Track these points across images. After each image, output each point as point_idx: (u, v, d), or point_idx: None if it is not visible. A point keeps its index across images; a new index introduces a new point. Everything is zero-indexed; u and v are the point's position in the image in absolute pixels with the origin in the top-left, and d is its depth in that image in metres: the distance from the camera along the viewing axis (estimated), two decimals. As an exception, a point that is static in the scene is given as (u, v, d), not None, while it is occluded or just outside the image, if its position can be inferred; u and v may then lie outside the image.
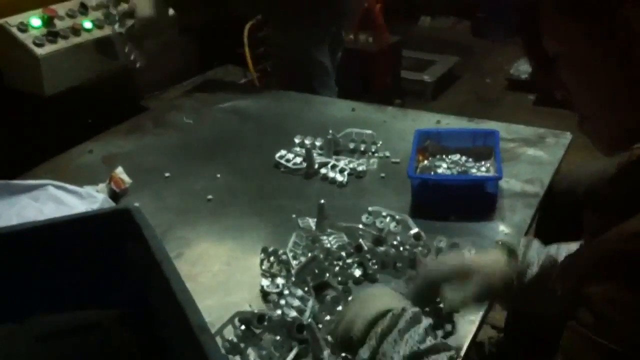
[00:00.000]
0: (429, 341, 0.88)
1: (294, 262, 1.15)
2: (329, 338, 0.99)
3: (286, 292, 1.10)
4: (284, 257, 1.19)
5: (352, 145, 1.65)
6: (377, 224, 1.26)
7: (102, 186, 1.40)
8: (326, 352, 0.99)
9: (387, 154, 1.63)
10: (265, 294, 1.14)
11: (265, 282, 1.16)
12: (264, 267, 1.21)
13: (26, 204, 1.30)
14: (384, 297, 0.96)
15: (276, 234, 1.32)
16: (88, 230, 1.00)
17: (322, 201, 1.26)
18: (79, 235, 0.98)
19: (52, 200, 1.30)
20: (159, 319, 0.96)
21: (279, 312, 1.06)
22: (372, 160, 1.60)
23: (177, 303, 0.82)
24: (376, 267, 1.15)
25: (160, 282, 0.87)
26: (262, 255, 1.22)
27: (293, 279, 1.13)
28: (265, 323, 1.04)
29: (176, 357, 0.89)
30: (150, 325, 0.98)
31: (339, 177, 1.52)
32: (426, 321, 0.91)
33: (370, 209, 1.31)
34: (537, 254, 1.03)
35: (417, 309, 0.92)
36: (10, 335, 0.92)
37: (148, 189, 1.50)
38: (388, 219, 1.27)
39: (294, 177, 1.56)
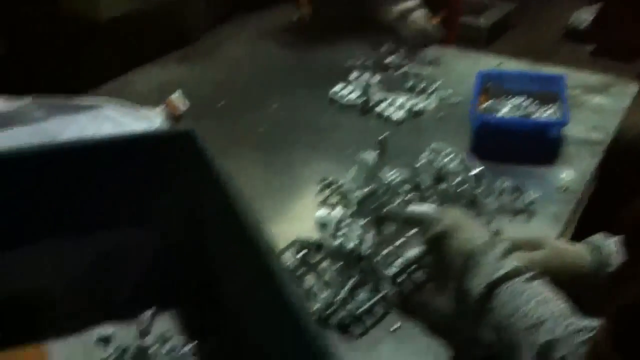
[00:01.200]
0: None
1: (354, 194, 1.13)
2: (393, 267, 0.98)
3: (344, 223, 1.08)
4: (343, 188, 1.17)
5: (410, 83, 1.61)
6: (438, 161, 1.23)
7: (158, 110, 1.39)
8: (385, 284, 0.98)
9: (446, 93, 1.59)
10: (322, 225, 1.13)
11: (323, 213, 1.15)
12: (321, 198, 1.20)
13: (84, 123, 1.29)
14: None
15: (331, 167, 1.30)
16: (148, 149, 0.99)
17: (385, 135, 1.24)
18: (138, 154, 0.97)
19: (110, 120, 1.29)
20: (215, 244, 0.95)
21: (337, 242, 1.04)
22: (430, 99, 1.56)
23: (242, 226, 0.81)
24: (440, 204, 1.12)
25: (222, 206, 0.86)
26: (320, 185, 1.21)
27: (352, 210, 1.11)
28: (323, 252, 1.03)
29: (235, 282, 0.89)
30: (205, 250, 0.98)
31: (396, 115, 1.49)
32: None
33: (433, 145, 1.28)
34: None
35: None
36: (72, 250, 0.93)
37: (201, 117, 1.48)
38: (449, 157, 1.24)
39: (349, 113, 1.53)
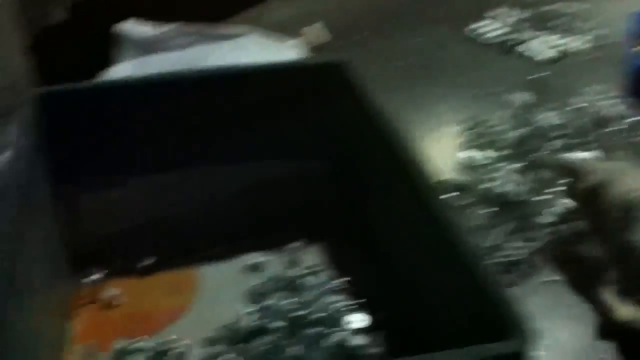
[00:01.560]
0: None
1: (505, 136, 1.08)
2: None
3: (493, 166, 1.04)
4: (491, 130, 1.12)
5: (559, 21, 1.51)
6: (594, 106, 1.16)
7: (299, 41, 1.37)
8: (539, 233, 0.94)
9: (599, 33, 1.48)
10: (467, 167, 1.08)
11: (468, 154, 1.11)
12: (464, 139, 1.15)
13: (226, 52, 1.29)
14: None
15: (473, 107, 1.25)
16: (297, 79, 0.97)
17: (536, 75, 1.17)
18: (287, 83, 0.96)
19: (253, 49, 1.28)
20: (368, 178, 0.94)
21: (485, 185, 1.00)
22: (581, 39, 1.46)
23: (398, 161, 0.78)
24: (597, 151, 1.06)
25: (375, 140, 0.84)
26: (464, 126, 1.16)
27: (502, 154, 1.07)
28: (471, 195, 0.99)
29: (390, 216, 0.87)
30: (357, 183, 0.96)
31: (544, 54, 1.41)
32: None
33: (588, 88, 1.20)
34: None
35: None
36: (222, 179, 0.93)
37: (340, 49, 1.45)
38: (606, 101, 1.16)
39: (491, 51, 1.47)
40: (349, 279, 0.88)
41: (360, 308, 0.83)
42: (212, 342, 0.80)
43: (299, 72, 1.01)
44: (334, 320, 0.80)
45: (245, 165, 0.94)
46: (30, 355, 0.67)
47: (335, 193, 0.97)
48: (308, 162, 0.96)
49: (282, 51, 1.30)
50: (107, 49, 1.31)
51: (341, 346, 0.76)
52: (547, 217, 0.95)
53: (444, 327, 0.71)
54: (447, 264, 0.69)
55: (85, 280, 0.88)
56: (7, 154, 0.76)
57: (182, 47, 1.32)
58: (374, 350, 0.77)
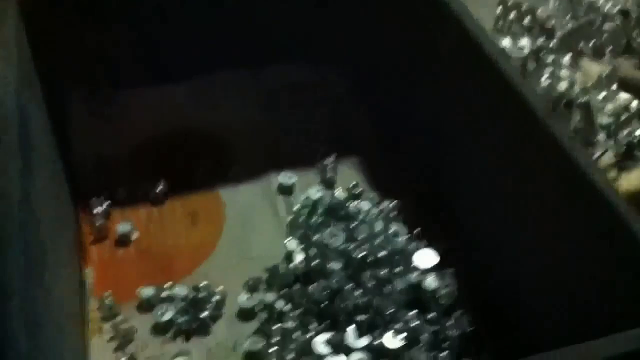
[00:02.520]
0: None
1: (557, 22, 0.94)
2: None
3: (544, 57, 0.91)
4: (537, 14, 0.98)
5: None
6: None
7: None
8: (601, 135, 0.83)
9: None
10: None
11: (508, 42, 0.96)
12: (501, 23, 1.01)
13: None
14: None
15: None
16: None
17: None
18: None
19: None
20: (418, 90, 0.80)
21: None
22: None
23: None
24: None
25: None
26: (502, 8, 1.01)
27: (550, 45, 0.93)
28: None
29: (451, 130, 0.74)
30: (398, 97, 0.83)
31: None
32: None
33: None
34: None
35: None
36: (246, 84, 0.79)
37: None
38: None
39: None
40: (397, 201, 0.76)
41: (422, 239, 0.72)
42: (252, 287, 0.69)
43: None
44: (399, 258, 0.68)
45: (267, 70, 0.79)
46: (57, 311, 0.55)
47: (365, 105, 0.84)
48: (332, 68, 0.82)
49: None
50: None
51: (412, 290, 0.66)
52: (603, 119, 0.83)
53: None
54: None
55: (91, 215, 0.74)
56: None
57: None
58: (448, 293, 0.66)
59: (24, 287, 0.44)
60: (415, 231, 0.72)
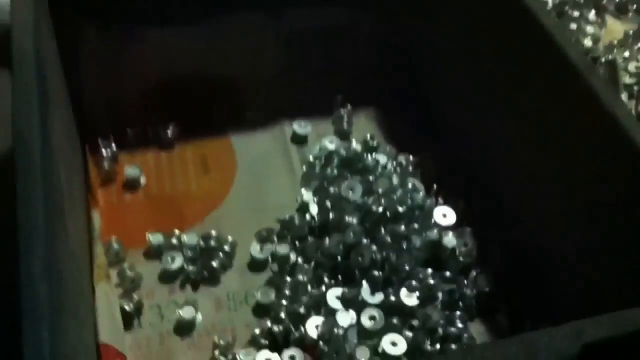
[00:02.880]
0: None
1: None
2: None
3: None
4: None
5: None
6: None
7: None
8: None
9: None
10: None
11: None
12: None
13: None
14: None
15: None
16: None
17: None
18: None
19: None
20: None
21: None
22: None
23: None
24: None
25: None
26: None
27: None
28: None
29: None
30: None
31: None
32: None
33: None
34: None
35: None
36: (264, 28, 0.75)
37: None
38: None
39: None
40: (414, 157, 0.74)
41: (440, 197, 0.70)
42: (263, 238, 0.67)
43: None
44: (418, 214, 0.66)
45: (289, 13, 0.76)
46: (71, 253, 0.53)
47: (382, 53, 0.80)
48: (351, 12, 0.79)
49: None
50: None
51: (431, 248, 0.64)
52: None
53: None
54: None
55: (99, 157, 0.72)
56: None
57: None
58: (467, 251, 0.65)
59: (45, 234, 0.42)
60: (433, 188, 0.70)
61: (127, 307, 0.60)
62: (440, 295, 0.62)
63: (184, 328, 0.61)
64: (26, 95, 0.47)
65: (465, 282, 0.63)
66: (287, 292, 0.62)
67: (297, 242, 0.65)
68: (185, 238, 0.66)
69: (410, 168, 0.73)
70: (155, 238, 0.66)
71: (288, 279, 0.63)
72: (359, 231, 0.64)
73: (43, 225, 0.42)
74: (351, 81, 0.80)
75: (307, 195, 0.69)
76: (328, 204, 0.66)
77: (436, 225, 0.65)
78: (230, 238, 0.66)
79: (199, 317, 0.61)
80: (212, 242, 0.65)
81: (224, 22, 0.72)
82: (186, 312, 0.60)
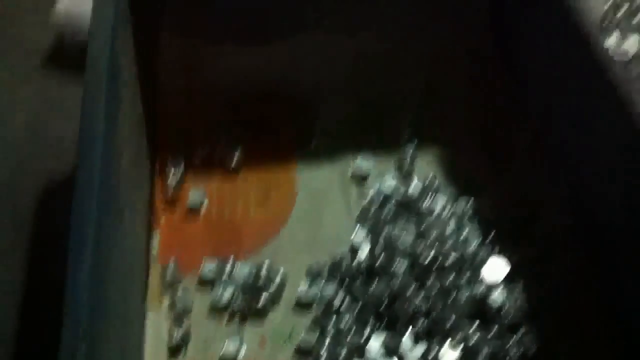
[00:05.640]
0: None
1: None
2: None
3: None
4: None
5: None
6: None
7: None
8: None
9: None
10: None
11: (612, 41, 0.90)
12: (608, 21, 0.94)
13: None
14: None
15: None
16: None
17: None
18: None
19: None
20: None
21: None
22: None
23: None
24: None
25: None
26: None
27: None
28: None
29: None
30: None
31: None
32: None
33: None
34: None
35: None
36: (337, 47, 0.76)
37: None
38: None
39: None
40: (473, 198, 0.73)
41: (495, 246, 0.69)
42: (314, 274, 0.68)
43: None
44: (468, 266, 0.66)
45: (360, 36, 0.76)
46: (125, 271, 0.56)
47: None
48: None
49: None
50: None
51: (477, 303, 0.63)
52: None
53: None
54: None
55: (166, 176, 0.74)
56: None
57: None
58: (514, 309, 0.64)
59: (96, 236, 0.44)
60: (490, 236, 0.69)
61: (175, 335, 0.62)
62: (484, 352, 0.61)
63: (227, 362, 0.62)
64: (96, 89, 0.49)
65: (512, 340, 0.62)
66: (330, 334, 0.62)
67: (347, 279, 0.66)
68: (237, 269, 0.67)
69: (468, 213, 0.71)
70: (208, 267, 0.67)
71: (334, 318, 0.63)
72: (406, 278, 0.64)
73: (96, 226, 0.43)
74: (423, 113, 0.80)
75: (360, 233, 0.69)
76: (380, 245, 0.67)
77: (488, 280, 0.65)
78: (282, 269, 0.67)
79: (243, 352, 0.63)
80: (263, 274, 0.67)
81: (301, 42, 0.73)
82: (231, 347, 0.62)
